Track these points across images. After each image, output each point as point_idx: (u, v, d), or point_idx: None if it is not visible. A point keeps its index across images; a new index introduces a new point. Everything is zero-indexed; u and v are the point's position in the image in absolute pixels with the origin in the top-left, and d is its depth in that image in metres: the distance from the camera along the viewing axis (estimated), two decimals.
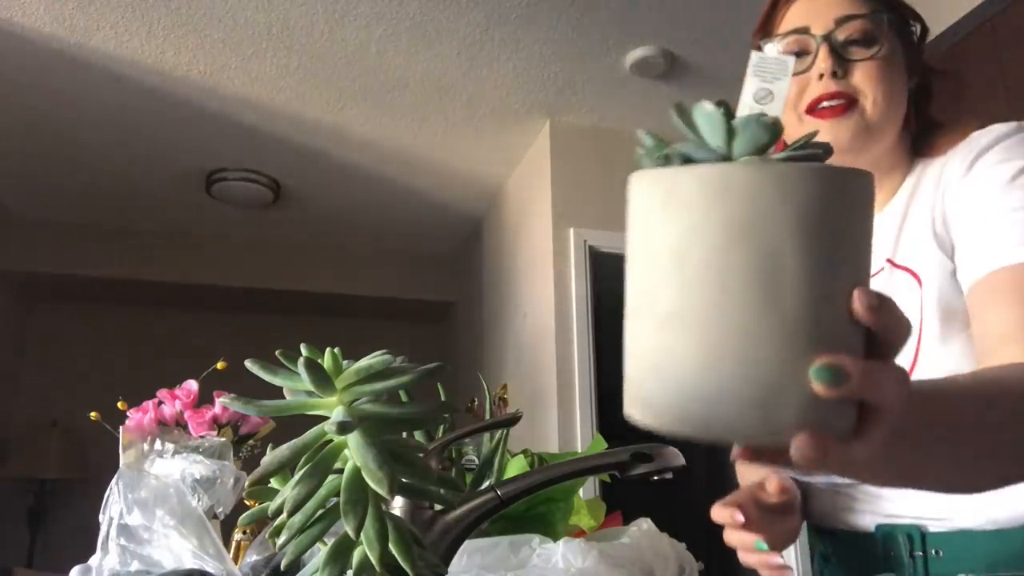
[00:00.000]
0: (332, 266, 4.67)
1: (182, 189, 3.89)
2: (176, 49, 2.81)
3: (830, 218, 0.36)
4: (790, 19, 0.88)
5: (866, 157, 0.85)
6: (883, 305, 0.36)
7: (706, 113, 0.41)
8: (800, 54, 0.85)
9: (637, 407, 0.38)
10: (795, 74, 0.81)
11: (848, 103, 0.82)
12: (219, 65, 2.91)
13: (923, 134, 0.90)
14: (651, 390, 0.37)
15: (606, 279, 3.26)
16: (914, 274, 0.81)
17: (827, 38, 0.83)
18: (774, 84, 0.50)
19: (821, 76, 0.83)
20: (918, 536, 0.78)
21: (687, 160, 0.39)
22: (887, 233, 0.86)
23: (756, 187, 0.35)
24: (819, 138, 0.72)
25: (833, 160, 0.75)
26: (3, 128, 3.30)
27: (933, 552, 0.77)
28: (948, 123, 0.89)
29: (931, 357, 0.77)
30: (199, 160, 3.64)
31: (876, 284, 0.77)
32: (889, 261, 0.84)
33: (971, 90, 0.92)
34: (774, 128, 0.39)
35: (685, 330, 0.36)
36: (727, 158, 0.38)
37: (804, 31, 0.85)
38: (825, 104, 0.83)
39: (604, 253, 3.24)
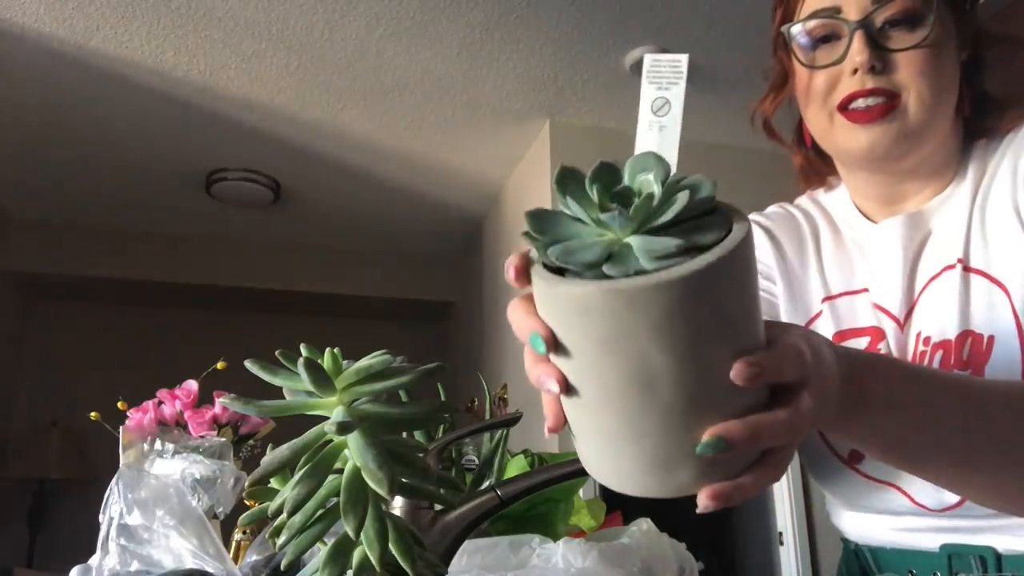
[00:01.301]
0: (332, 266, 4.67)
1: (182, 189, 3.89)
2: (176, 49, 2.81)
3: (687, 320, 0.38)
4: None
5: (912, 159, 0.74)
6: (763, 369, 0.38)
7: (578, 200, 0.44)
8: (828, 38, 0.72)
9: (590, 469, 0.45)
10: (824, 66, 0.71)
11: (888, 103, 0.69)
12: (219, 65, 2.91)
13: (976, 112, 0.77)
14: (586, 461, 0.45)
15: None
16: (999, 283, 0.69)
17: (863, 23, 0.69)
18: (670, 91, 0.53)
19: (855, 71, 0.69)
20: (992, 557, 0.67)
21: (563, 266, 0.40)
22: (952, 231, 0.73)
23: (611, 310, 0.38)
24: (854, 143, 0.71)
25: (871, 166, 0.74)
26: (3, 128, 3.30)
27: (1010, 575, 0.67)
28: (1003, 97, 0.77)
29: None
30: (199, 160, 3.64)
31: (945, 285, 0.71)
32: (961, 263, 0.71)
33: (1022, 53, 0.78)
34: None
35: (589, 421, 0.42)
36: (598, 264, 0.40)
37: (834, 13, 0.71)
38: (860, 103, 0.70)
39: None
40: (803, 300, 0.82)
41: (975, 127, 0.77)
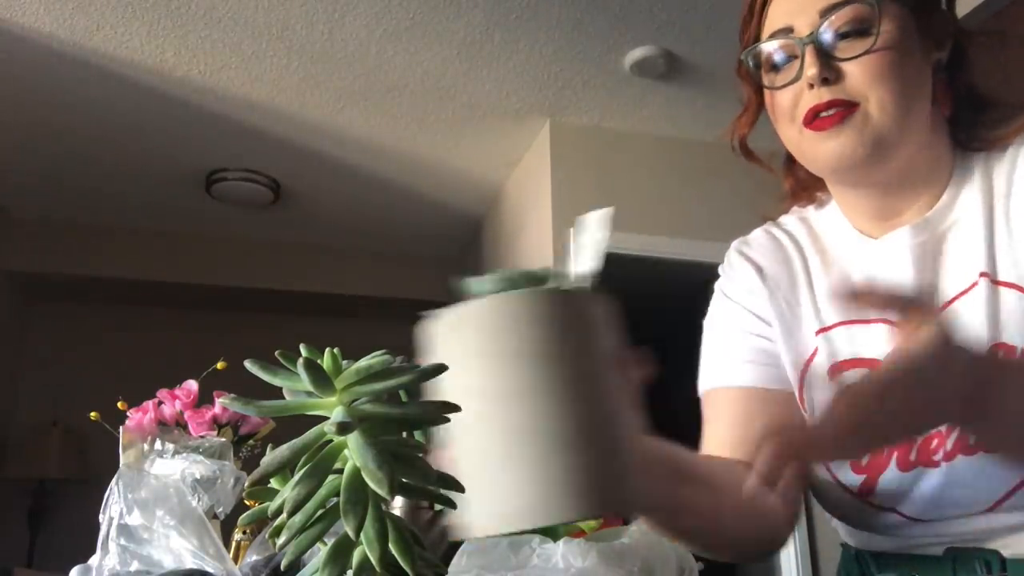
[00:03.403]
0: (332, 266, 4.67)
1: (182, 189, 3.89)
2: (176, 49, 2.81)
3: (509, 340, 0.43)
4: (773, 16, 0.74)
5: (892, 166, 0.73)
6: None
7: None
8: (787, 58, 0.74)
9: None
10: (783, 86, 0.73)
11: (846, 110, 0.70)
12: (219, 65, 2.91)
13: (966, 115, 0.76)
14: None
15: (606, 279, 3.26)
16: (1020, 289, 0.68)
17: (812, 38, 0.70)
18: (596, 241, 0.57)
19: (811, 85, 0.71)
20: (996, 561, 0.68)
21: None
22: (969, 242, 0.72)
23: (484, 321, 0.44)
24: (821, 152, 0.74)
25: (849, 177, 0.76)
26: (3, 128, 3.30)
27: None
28: (993, 96, 0.76)
29: None
30: (199, 160, 3.64)
31: (972, 300, 0.70)
32: (986, 276, 0.69)
33: (1013, 48, 0.80)
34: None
35: (469, 442, 0.44)
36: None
37: (787, 32, 0.73)
38: (823, 113, 0.71)
39: (604, 253, 3.24)
40: (797, 338, 0.80)
41: (970, 130, 0.76)
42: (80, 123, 3.28)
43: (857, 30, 0.70)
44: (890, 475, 0.72)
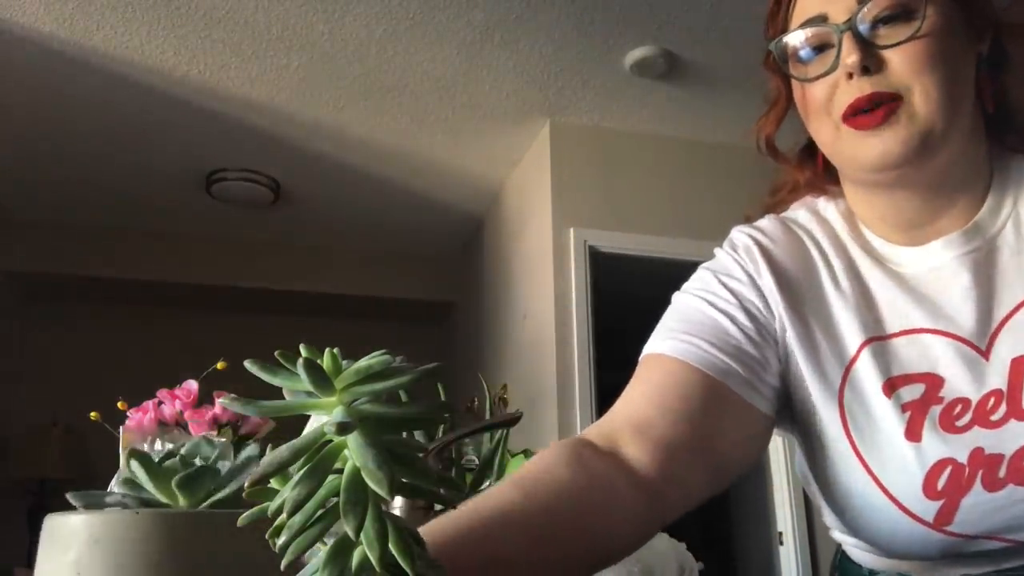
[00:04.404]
0: (332, 266, 4.67)
1: (182, 189, 3.89)
2: (176, 49, 2.81)
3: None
4: (804, 3, 0.69)
5: (934, 166, 0.67)
6: None
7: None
8: (820, 48, 0.68)
9: None
10: (818, 76, 0.67)
11: (890, 105, 0.64)
12: (219, 65, 2.91)
13: (1007, 114, 0.71)
14: None
15: (606, 279, 3.26)
16: None
17: (850, 24, 0.64)
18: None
19: (850, 76, 0.65)
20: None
21: None
22: (1011, 270, 0.66)
23: None
24: (864, 153, 0.66)
25: (889, 178, 0.68)
26: (3, 128, 3.30)
27: None
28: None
29: None
30: (199, 160, 3.64)
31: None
32: None
33: None
34: None
35: None
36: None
37: (821, 20, 0.67)
38: (863, 111, 0.65)
39: (604, 253, 3.24)
40: (834, 340, 0.70)
41: (1012, 131, 0.71)
42: (80, 123, 3.28)
43: (899, 15, 0.64)
44: (974, 498, 0.62)
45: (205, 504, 0.56)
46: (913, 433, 0.64)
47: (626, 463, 0.60)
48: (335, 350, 0.41)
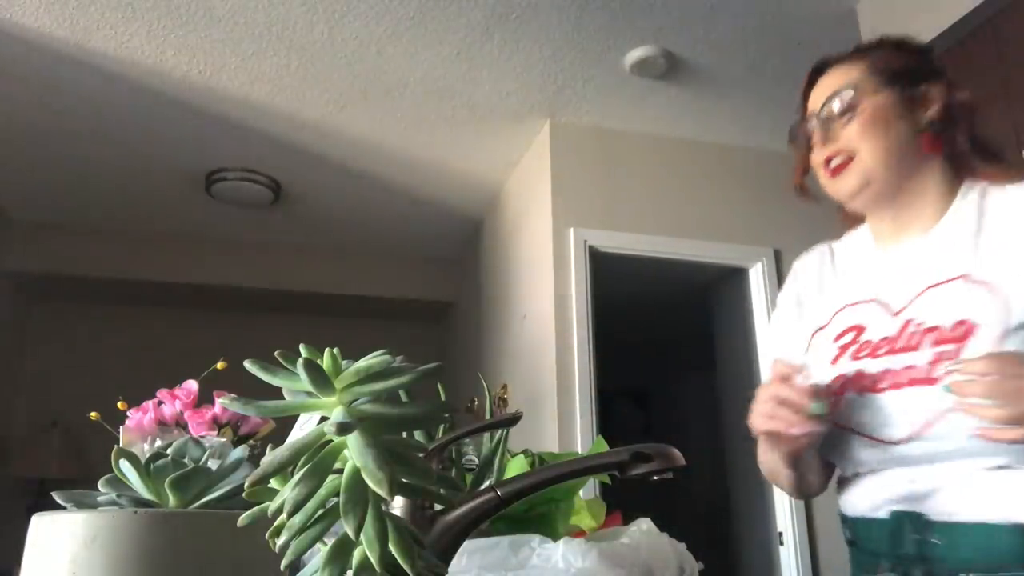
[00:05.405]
0: (332, 266, 4.67)
1: (182, 189, 3.89)
2: (176, 49, 2.81)
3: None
4: (811, 102, 1.08)
5: (889, 196, 1.02)
6: None
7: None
8: (812, 128, 1.07)
9: None
10: (811, 147, 1.06)
11: (846, 161, 1.01)
12: (219, 65, 2.91)
13: (964, 154, 1.01)
14: None
15: (606, 279, 3.26)
16: (994, 291, 0.90)
17: (816, 115, 1.04)
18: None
19: (822, 143, 1.03)
20: (922, 523, 0.91)
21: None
22: (956, 252, 0.95)
23: None
24: (833, 190, 1.05)
25: (859, 207, 1.07)
26: (3, 128, 3.30)
27: (934, 540, 0.89)
28: (985, 143, 1.02)
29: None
30: (199, 160, 3.64)
31: (949, 290, 0.93)
32: (966, 278, 0.92)
33: (974, 93, 1.03)
34: None
35: None
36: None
37: (810, 115, 1.07)
38: (832, 163, 1.02)
39: (604, 253, 3.24)
40: (813, 316, 1.10)
41: (969, 166, 1.01)
42: (80, 123, 3.28)
43: (846, 108, 1.01)
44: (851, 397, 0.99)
45: (196, 504, 0.56)
46: (834, 360, 1.02)
47: None
48: (335, 350, 0.41)
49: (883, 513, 0.95)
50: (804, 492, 1.10)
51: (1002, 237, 0.93)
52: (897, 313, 0.97)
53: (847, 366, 0.99)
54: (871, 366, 0.96)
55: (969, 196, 0.99)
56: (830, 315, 1.06)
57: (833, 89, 1.03)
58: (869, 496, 0.98)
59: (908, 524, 0.91)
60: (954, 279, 0.93)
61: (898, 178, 1.00)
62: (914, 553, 0.90)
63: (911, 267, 0.99)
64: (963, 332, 0.89)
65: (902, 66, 1.04)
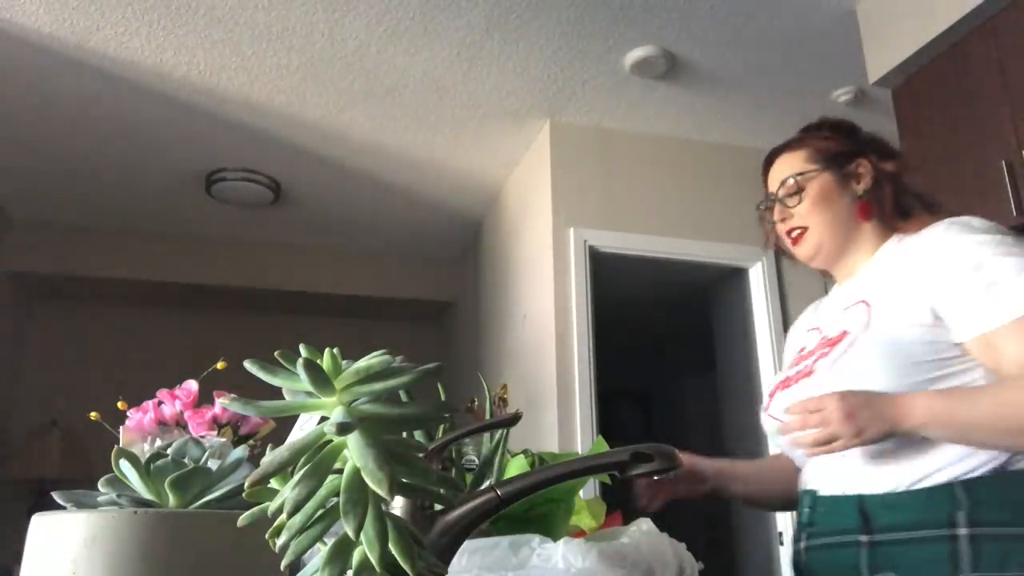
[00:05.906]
0: (332, 266, 4.67)
1: (182, 189, 3.89)
2: (176, 49, 2.81)
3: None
4: (770, 185, 1.31)
5: (837, 255, 1.26)
6: None
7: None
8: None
9: None
10: (774, 222, 1.29)
11: (801, 232, 1.24)
12: (219, 65, 2.91)
13: (889, 215, 1.24)
14: None
15: (606, 279, 3.26)
16: (871, 308, 1.13)
17: (772, 197, 1.28)
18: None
19: (781, 220, 1.26)
20: (810, 497, 1.14)
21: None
22: (868, 286, 1.19)
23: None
24: (795, 255, 1.31)
25: (816, 265, 1.33)
26: (3, 128, 3.30)
27: (819, 509, 1.12)
28: (910, 205, 1.25)
29: (849, 356, 1.11)
30: (199, 160, 3.64)
31: (850, 311, 1.17)
32: (864, 302, 1.16)
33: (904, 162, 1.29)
34: None
35: None
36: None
37: (770, 195, 1.30)
38: (792, 235, 1.26)
39: (604, 253, 3.24)
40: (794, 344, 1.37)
41: (892, 224, 1.24)
42: (80, 123, 3.28)
43: (793, 192, 1.25)
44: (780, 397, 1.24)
45: (196, 504, 0.57)
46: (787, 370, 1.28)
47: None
48: (335, 350, 0.41)
49: (836, 491, 1.15)
50: (773, 507, 1.34)
51: (899, 270, 1.15)
52: (821, 332, 1.24)
53: (789, 372, 1.27)
54: (794, 370, 1.23)
55: (888, 245, 1.22)
56: (799, 345, 1.33)
57: (784, 176, 1.26)
58: (821, 479, 1.18)
59: (806, 498, 1.15)
60: (856, 303, 1.18)
61: (844, 241, 1.24)
62: (805, 522, 1.14)
63: (840, 300, 1.25)
64: (839, 337, 1.15)
65: (837, 149, 1.26)
